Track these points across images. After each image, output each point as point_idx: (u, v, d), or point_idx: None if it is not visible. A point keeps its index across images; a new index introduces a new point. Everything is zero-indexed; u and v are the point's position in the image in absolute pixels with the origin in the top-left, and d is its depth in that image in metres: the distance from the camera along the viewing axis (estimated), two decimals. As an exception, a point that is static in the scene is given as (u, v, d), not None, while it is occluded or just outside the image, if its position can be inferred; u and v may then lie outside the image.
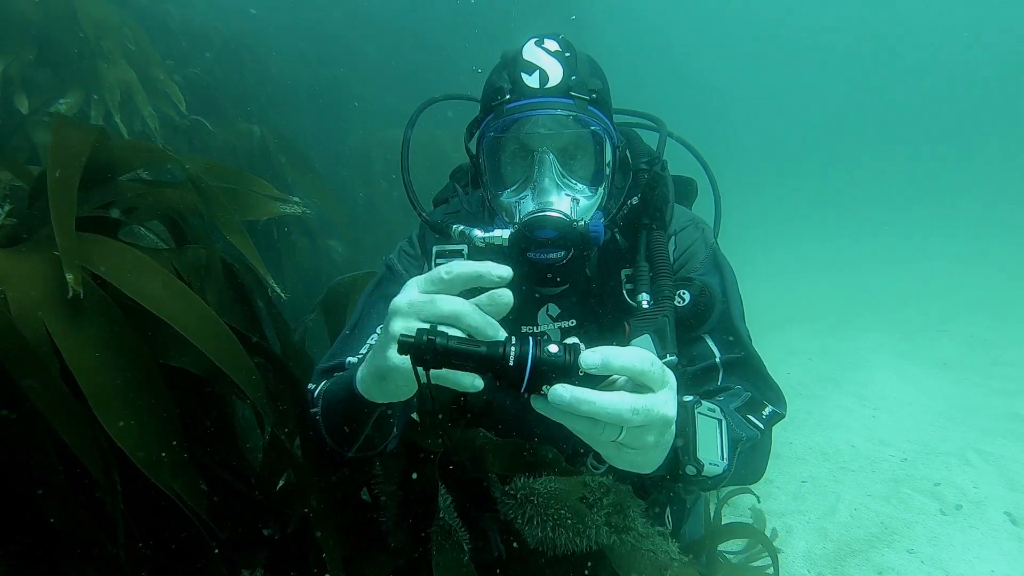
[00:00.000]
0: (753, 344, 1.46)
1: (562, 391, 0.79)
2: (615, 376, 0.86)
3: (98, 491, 1.14)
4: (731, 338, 1.43)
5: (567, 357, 0.81)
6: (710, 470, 1.03)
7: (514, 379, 0.81)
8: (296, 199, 2.09)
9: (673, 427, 0.92)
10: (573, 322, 1.50)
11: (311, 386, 1.34)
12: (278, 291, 1.83)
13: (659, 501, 1.52)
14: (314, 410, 1.26)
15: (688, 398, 1.06)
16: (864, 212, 19.38)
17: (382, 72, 7.64)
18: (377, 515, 1.46)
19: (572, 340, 0.84)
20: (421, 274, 1.52)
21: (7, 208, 1.49)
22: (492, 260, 1.47)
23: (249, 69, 5.28)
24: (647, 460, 0.93)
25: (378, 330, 1.43)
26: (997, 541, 2.41)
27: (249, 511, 1.47)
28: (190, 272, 1.53)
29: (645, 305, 1.35)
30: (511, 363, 0.81)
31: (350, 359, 1.37)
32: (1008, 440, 3.39)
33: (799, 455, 3.34)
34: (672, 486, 1.32)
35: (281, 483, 1.54)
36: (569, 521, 1.20)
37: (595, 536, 1.20)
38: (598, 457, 1.44)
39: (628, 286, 1.45)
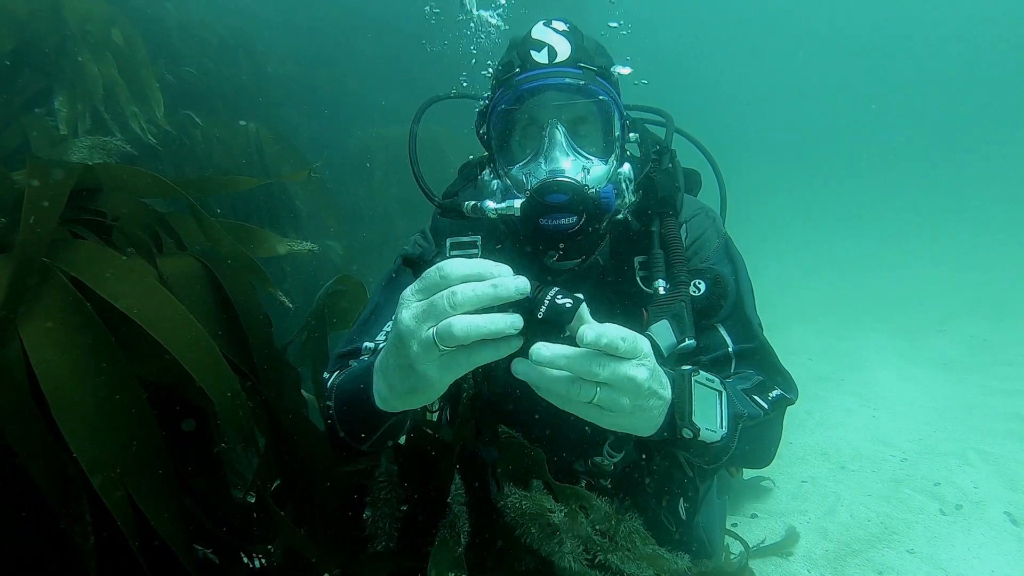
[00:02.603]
0: (764, 333, 1.49)
1: (543, 350, 0.86)
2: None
3: (62, 522, 1.07)
4: (743, 327, 1.47)
5: (564, 316, 0.87)
6: (707, 435, 1.09)
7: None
8: (308, 243, 2.04)
9: (662, 392, 0.99)
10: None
11: (326, 375, 1.37)
12: (286, 302, 1.81)
13: (673, 492, 1.55)
14: (328, 403, 1.28)
15: (687, 367, 1.11)
16: (864, 212, 19.37)
17: (380, 72, 7.62)
18: (375, 514, 1.44)
19: (579, 296, 0.88)
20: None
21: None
22: (505, 240, 1.49)
23: (245, 68, 5.27)
24: (634, 423, 0.99)
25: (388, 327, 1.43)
26: (997, 541, 2.40)
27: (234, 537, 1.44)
28: (178, 282, 1.49)
29: (661, 291, 1.37)
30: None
31: (367, 344, 1.41)
32: (1008, 440, 3.37)
33: (799, 455, 3.33)
34: (676, 453, 1.40)
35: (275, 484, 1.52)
36: (539, 540, 1.21)
37: (562, 564, 1.20)
38: (614, 445, 1.46)
39: (642, 273, 1.47)
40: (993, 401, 4.11)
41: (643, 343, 0.92)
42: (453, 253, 1.53)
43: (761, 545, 2.40)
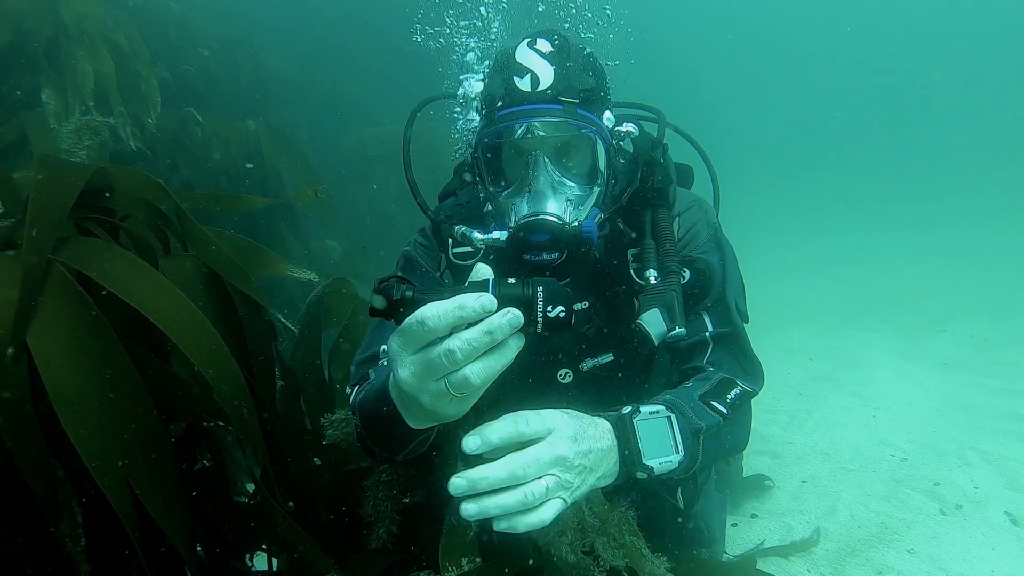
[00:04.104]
0: (743, 321, 1.53)
1: (458, 480, 0.87)
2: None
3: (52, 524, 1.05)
4: (723, 312, 1.51)
5: (562, 326, 0.83)
6: (662, 467, 1.12)
7: None
8: (310, 273, 2.03)
9: (598, 442, 1.03)
10: (586, 304, 1.54)
11: (348, 389, 1.38)
12: (289, 326, 1.80)
13: (671, 482, 1.58)
14: (355, 421, 1.28)
15: (626, 410, 1.13)
16: (864, 211, 19.37)
17: (378, 71, 7.62)
18: (375, 497, 1.44)
19: (570, 297, 0.85)
20: (438, 266, 1.59)
21: (0, 210, 1.44)
22: (495, 259, 1.51)
23: (245, 67, 5.26)
24: (592, 483, 1.03)
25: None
26: (997, 541, 2.39)
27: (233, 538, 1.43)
28: (182, 282, 1.47)
29: (653, 281, 1.40)
30: None
31: (383, 347, 1.41)
32: (1008, 440, 3.37)
33: (799, 455, 3.31)
34: (640, 487, 1.45)
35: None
36: (538, 531, 1.21)
37: (559, 554, 1.21)
38: None
39: (635, 264, 1.50)
40: (993, 401, 4.10)
41: (549, 420, 0.95)
42: (455, 251, 1.55)
43: (766, 546, 2.40)
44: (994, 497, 2.72)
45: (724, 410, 1.32)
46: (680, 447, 1.15)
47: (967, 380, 4.62)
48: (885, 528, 2.52)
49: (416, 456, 1.32)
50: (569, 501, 0.96)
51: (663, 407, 1.18)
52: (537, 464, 0.90)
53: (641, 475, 1.09)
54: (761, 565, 2.21)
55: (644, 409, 1.15)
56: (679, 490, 1.62)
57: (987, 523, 2.52)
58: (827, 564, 2.30)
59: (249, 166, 3.64)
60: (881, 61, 38.27)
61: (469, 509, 0.88)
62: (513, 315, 0.80)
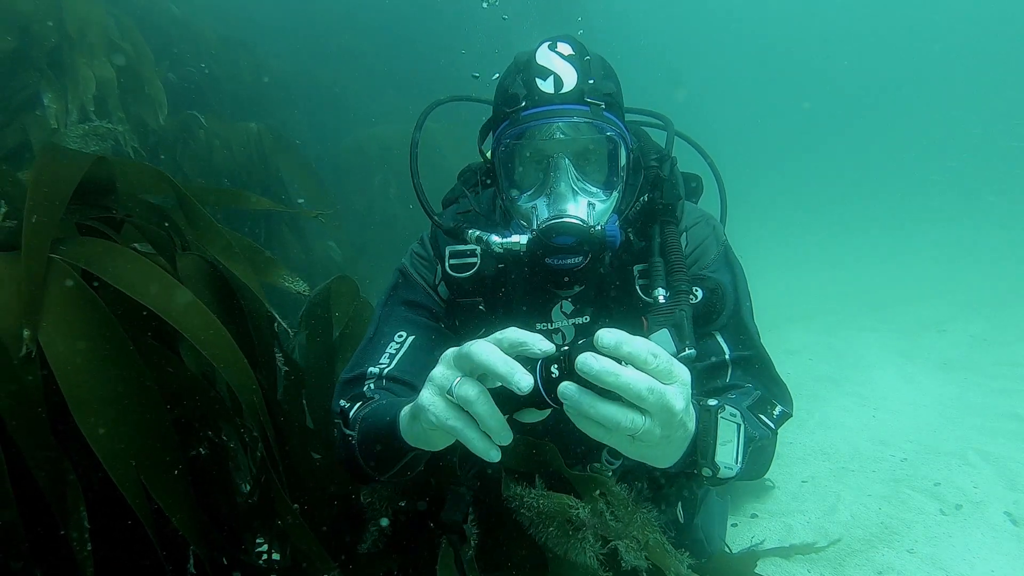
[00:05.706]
0: (762, 341, 1.49)
1: (591, 359, 0.77)
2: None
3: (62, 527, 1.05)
4: (741, 336, 1.46)
5: (574, 348, 0.83)
6: (724, 473, 1.06)
7: (535, 395, 0.84)
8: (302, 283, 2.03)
9: (689, 424, 0.93)
10: (587, 318, 1.50)
11: (339, 404, 1.35)
12: (286, 328, 1.80)
13: (670, 496, 1.55)
14: (348, 433, 1.26)
15: (713, 402, 1.07)
16: (864, 209, 19.34)
17: (378, 71, 7.63)
18: (373, 497, 1.45)
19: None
20: (434, 278, 1.55)
21: (4, 210, 1.45)
22: (507, 263, 1.49)
23: (246, 67, 5.27)
24: (657, 454, 0.94)
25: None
26: (997, 541, 2.40)
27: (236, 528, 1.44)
28: (188, 280, 1.48)
29: (661, 299, 1.36)
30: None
31: (371, 369, 1.39)
32: (1008, 440, 3.37)
33: (799, 455, 3.33)
34: (684, 482, 1.40)
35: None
36: (557, 539, 1.21)
37: (584, 561, 1.20)
38: (613, 452, 1.45)
39: (641, 281, 1.46)
40: (993, 401, 4.11)
41: (681, 369, 0.86)
42: (451, 262, 1.52)
43: (766, 546, 2.40)
44: (994, 497, 2.72)
45: (772, 425, 1.30)
46: (740, 458, 1.11)
47: (967, 380, 4.62)
48: (885, 528, 2.53)
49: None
50: (628, 451, 0.89)
51: (739, 413, 1.12)
52: (655, 398, 0.80)
53: (707, 472, 1.02)
54: (762, 565, 2.23)
55: (728, 408, 1.09)
56: (679, 504, 1.59)
57: (987, 523, 2.52)
58: (827, 564, 2.31)
59: (301, 202, 3.67)
60: (877, 43, 37.96)
61: (567, 390, 0.81)
62: (525, 380, 0.81)
